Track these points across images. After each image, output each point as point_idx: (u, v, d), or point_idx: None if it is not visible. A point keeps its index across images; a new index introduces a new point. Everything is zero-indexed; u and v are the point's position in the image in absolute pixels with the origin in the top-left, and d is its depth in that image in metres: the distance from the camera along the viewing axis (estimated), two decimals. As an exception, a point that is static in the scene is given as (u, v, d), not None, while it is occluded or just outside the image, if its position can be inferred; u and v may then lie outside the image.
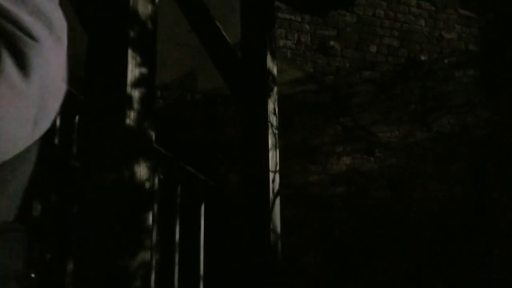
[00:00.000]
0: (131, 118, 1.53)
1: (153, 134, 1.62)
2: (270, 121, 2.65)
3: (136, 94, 1.56)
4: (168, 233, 2.51)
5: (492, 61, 5.26)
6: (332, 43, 4.93)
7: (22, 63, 0.41)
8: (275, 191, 2.57)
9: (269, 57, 2.76)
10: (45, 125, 0.46)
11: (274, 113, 2.71)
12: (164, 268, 2.47)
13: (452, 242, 4.80)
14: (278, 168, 2.63)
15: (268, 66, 2.73)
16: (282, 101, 3.01)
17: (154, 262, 2.39)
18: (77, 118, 3.27)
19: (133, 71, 1.55)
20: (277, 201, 2.57)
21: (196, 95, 4.39)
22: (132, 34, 1.55)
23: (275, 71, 2.80)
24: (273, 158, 2.61)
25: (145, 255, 1.59)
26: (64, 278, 1.95)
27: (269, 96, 2.69)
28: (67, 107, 3.32)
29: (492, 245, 4.79)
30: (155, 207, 2.51)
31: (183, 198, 2.60)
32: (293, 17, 4.82)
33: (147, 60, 1.59)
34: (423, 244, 4.73)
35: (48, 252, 2.12)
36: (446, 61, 5.34)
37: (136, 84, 1.56)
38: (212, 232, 2.68)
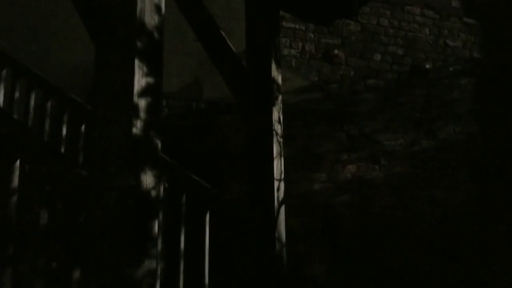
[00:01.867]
0: (137, 127, 1.55)
1: (159, 143, 1.63)
2: (275, 130, 2.65)
3: (142, 103, 1.57)
4: (173, 242, 2.52)
5: (493, 68, 5.25)
6: (336, 51, 4.95)
7: None
8: (280, 199, 2.57)
9: (274, 66, 2.77)
10: None
11: (279, 122, 2.72)
12: (169, 277, 2.47)
13: (456, 249, 4.77)
14: (283, 176, 2.63)
15: (273, 75, 2.74)
16: (286, 109, 3.03)
17: (159, 271, 2.39)
18: (83, 127, 3.29)
19: (139, 81, 1.57)
20: (282, 209, 2.57)
21: (201, 104, 4.41)
22: (139, 44, 1.57)
23: (280, 79, 2.82)
24: (278, 166, 2.62)
25: (151, 264, 1.60)
26: (70, 287, 1.96)
27: (274, 104, 2.70)
28: (74, 116, 3.35)
29: (496, 253, 4.75)
30: (161, 215, 2.52)
31: (188, 206, 2.61)
32: (297, 26, 4.85)
33: (153, 70, 1.61)
34: (428, 252, 4.70)
35: (54, 260, 2.13)
36: (451, 69, 5.35)
37: (143, 94, 1.57)
38: (217, 241, 2.68)
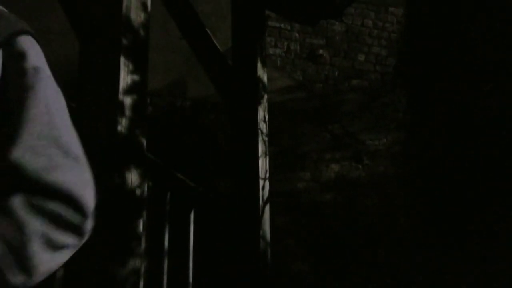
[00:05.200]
0: (123, 125, 1.54)
1: (144, 141, 1.63)
2: (260, 129, 2.66)
3: (128, 101, 1.56)
4: (157, 240, 2.50)
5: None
6: (321, 51, 4.98)
7: None
8: (265, 198, 2.58)
9: (259, 65, 2.78)
10: None
11: (264, 121, 2.73)
12: (153, 276, 2.45)
13: (439, 249, 4.85)
14: (268, 175, 2.64)
15: (258, 73, 2.75)
16: (271, 108, 3.04)
17: (143, 269, 2.38)
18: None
19: (125, 79, 1.56)
20: (267, 208, 2.58)
21: (186, 102, 4.39)
22: (124, 41, 1.56)
23: (265, 79, 2.83)
24: (263, 165, 2.63)
25: (135, 263, 1.59)
26: (53, 285, 1.93)
27: (259, 103, 2.71)
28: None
29: (482, 252, 4.85)
30: (145, 214, 2.50)
31: (172, 205, 2.60)
32: (282, 25, 4.86)
33: (139, 67, 1.60)
34: (411, 251, 4.77)
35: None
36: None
37: (128, 91, 1.56)
38: (202, 239, 2.68)
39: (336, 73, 5.00)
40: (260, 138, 2.63)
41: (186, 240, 2.50)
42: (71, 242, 0.62)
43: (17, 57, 0.65)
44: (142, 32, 1.64)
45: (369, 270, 4.60)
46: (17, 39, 0.66)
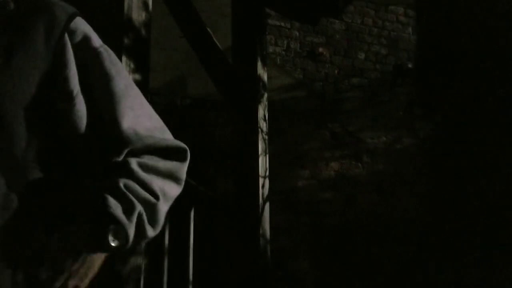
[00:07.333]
0: (124, 124, 1.55)
1: (145, 140, 1.64)
2: (260, 127, 2.67)
3: (129, 100, 1.57)
4: (157, 238, 2.52)
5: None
6: (321, 50, 4.99)
7: None
8: (265, 196, 2.59)
9: (259, 64, 2.79)
10: None
11: (264, 119, 2.73)
12: (154, 273, 2.47)
13: (438, 246, 4.87)
14: (268, 173, 2.65)
15: (258, 72, 2.76)
16: (271, 106, 3.05)
17: (144, 267, 2.39)
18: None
19: (127, 78, 1.56)
20: (267, 206, 2.59)
21: (186, 100, 4.40)
22: (126, 41, 1.57)
23: (265, 77, 2.83)
24: (263, 163, 2.64)
25: (136, 260, 1.60)
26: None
27: (259, 102, 2.72)
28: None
29: (477, 248, 4.86)
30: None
31: (173, 203, 2.61)
32: (282, 24, 4.86)
33: (140, 66, 1.61)
34: (410, 249, 4.79)
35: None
36: (432, 69, 5.43)
37: (130, 90, 1.57)
38: (202, 237, 2.69)
39: (336, 72, 5.01)
40: (260, 137, 2.64)
41: (186, 238, 2.52)
42: (175, 194, 0.69)
43: (82, 39, 0.71)
44: (143, 32, 1.65)
45: (368, 268, 4.62)
46: (74, 22, 0.71)
